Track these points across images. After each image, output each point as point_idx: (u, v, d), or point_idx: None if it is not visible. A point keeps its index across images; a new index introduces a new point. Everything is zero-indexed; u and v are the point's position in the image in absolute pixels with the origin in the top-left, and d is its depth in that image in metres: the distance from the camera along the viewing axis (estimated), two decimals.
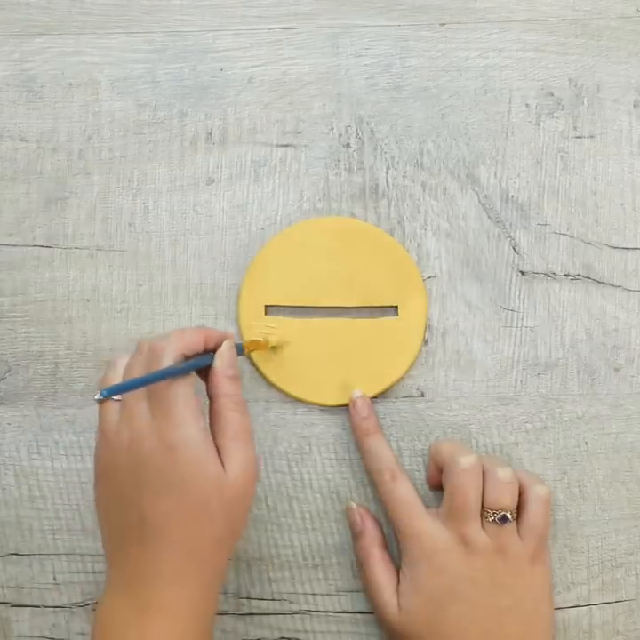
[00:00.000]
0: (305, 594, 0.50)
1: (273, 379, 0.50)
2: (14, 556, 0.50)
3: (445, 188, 0.52)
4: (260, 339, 0.49)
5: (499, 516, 0.45)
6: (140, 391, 0.42)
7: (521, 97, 0.52)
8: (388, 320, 0.50)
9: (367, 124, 0.52)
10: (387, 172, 0.52)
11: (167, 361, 0.42)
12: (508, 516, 0.45)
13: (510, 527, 0.45)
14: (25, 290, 0.52)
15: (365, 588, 0.48)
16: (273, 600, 0.50)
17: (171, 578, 0.41)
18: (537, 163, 0.51)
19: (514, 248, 0.51)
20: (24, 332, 0.51)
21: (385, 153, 0.52)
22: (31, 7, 0.53)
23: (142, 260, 0.52)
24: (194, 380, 0.42)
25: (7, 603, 0.50)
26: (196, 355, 0.44)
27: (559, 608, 0.49)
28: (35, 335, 0.51)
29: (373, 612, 0.48)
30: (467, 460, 0.46)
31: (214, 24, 0.53)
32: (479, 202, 0.51)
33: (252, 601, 0.50)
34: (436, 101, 0.52)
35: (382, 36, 0.52)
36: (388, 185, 0.52)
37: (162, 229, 0.52)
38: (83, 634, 0.50)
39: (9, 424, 0.51)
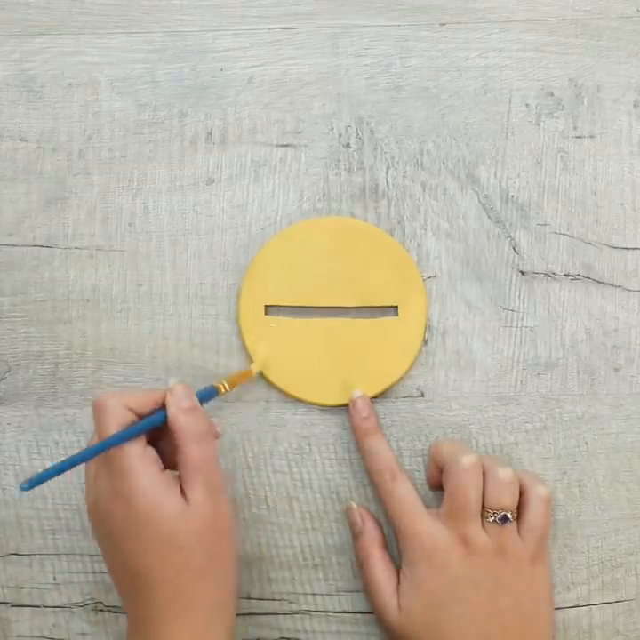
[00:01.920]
0: (305, 594, 0.50)
1: (273, 379, 0.50)
2: (14, 555, 0.50)
3: (445, 187, 0.52)
4: (243, 369, 0.49)
5: (499, 516, 0.45)
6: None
7: (521, 97, 0.52)
8: (387, 320, 0.50)
9: (367, 124, 0.52)
10: (387, 172, 0.52)
11: (107, 433, 0.42)
12: (509, 516, 0.45)
13: (511, 527, 0.45)
14: (25, 290, 0.52)
15: (365, 588, 0.48)
16: (273, 600, 0.50)
17: (170, 616, 0.41)
18: (537, 163, 0.51)
19: (514, 248, 0.51)
20: (24, 332, 0.51)
21: (385, 153, 0.52)
22: (31, 7, 0.53)
23: (142, 260, 0.52)
24: (142, 437, 0.42)
25: (7, 603, 0.50)
26: (149, 412, 0.44)
27: (559, 608, 0.49)
28: (35, 335, 0.51)
29: (373, 612, 0.47)
30: (467, 460, 0.46)
31: (214, 24, 0.53)
32: (479, 202, 0.51)
33: (252, 601, 0.50)
34: (436, 101, 0.52)
35: (382, 36, 0.52)
36: (388, 185, 0.52)
37: (162, 229, 0.52)
38: (83, 634, 0.50)
39: (9, 424, 0.51)
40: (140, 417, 0.43)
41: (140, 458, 0.42)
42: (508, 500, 0.45)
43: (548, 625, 0.46)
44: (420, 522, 0.46)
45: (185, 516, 0.41)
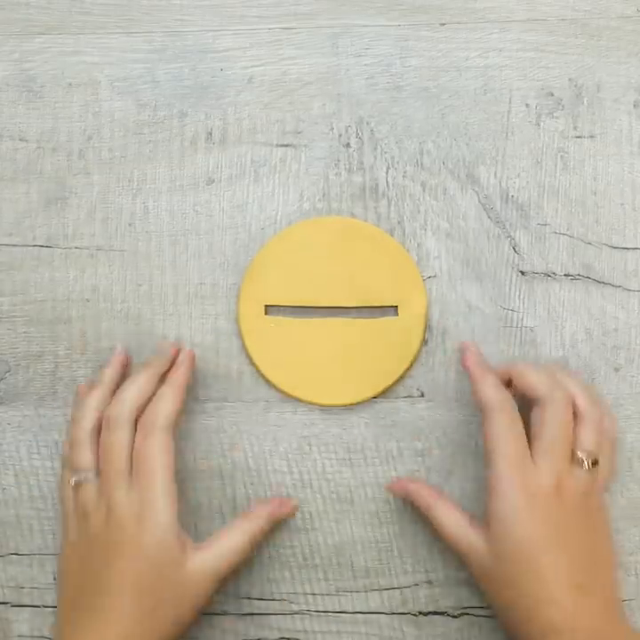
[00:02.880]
0: (305, 594, 0.50)
1: (273, 379, 0.50)
2: (14, 555, 0.50)
3: (445, 188, 0.52)
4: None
5: (591, 460, 0.44)
6: (119, 468, 0.45)
7: (521, 97, 0.52)
8: (387, 320, 0.50)
9: (367, 124, 0.52)
10: (387, 172, 0.52)
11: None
12: (599, 459, 0.44)
13: (596, 471, 0.44)
14: (25, 290, 0.52)
15: (444, 539, 0.46)
16: (273, 600, 0.50)
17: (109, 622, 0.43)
18: (537, 163, 0.51)
19: (514, 248, 0.51)
20: (24, 332, 0.51)
21: (385, 153, 0.52)
22: (31, 7, 0.53)
23: (142, 260, 0.52)
24: (174, 458, 0.45)
25: (7, 603, 0.50)
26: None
27: None
28: (35, 335, 0.51)
29: (461, 558, 0.46)
30: (565, 394, 0.45)
31: (214, 24, 0.53)
32: (479, 202, 0.51)
33: (252, 601, 0.50)
34: (436, 101, 0.52)
35: (382, 36, 0.52)
36: (388, 185, 0.52)
37: (162, 229, 0.52)
38: None
39: (9, 424, 0.51)
40: None
41: (168, 490, 0.45)
42: (598, 442, 0.45)
43: (616, 568, 0.46)
44: (524, 464, 0.44)
45: (179, 572, 0.44)
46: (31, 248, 0.52)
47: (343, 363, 0.50)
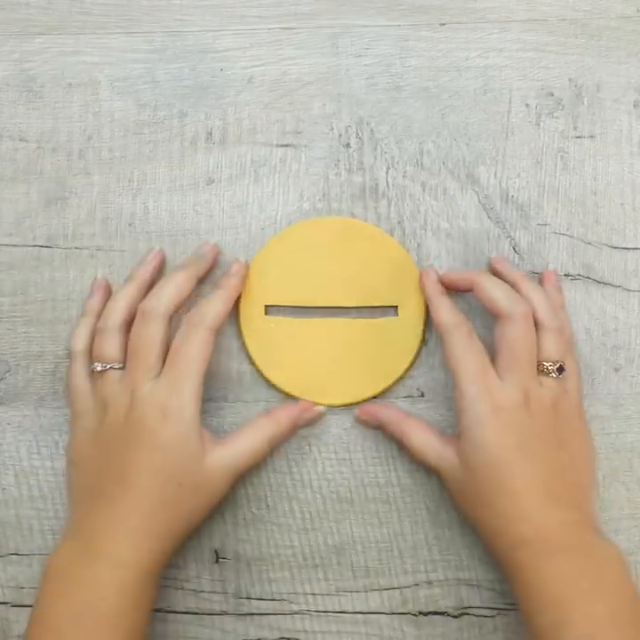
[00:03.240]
0: (305, 594, 0.50)
1: (273, 379, 0.50)
2: (14, 556, 0.50)
3: (445, 188, 0.52)
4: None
5: (556, 367, 0.44)
6: (148, 361, 0.45)
7: (521, 97, 0.52)
8: (388, 320, 0.50)
9: (367, 124, 0.52)
10: (387, 172, 0.52)
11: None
12: (564, 366, 0.44)
13: (563, 380, 0.45)
14: (25, 290, 0.52)
15: (413, 456, 0.47)
16: (273, 600, 0.50)
17: (125, 533, 0.43)
18: (537, 163, 0.51)
19: (514, 248, 0.51)
20: (24, 332, 0.51)
21: (385, 153, 0.52)
22: (31, 7, 0.53)
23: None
24: (209, 359, 0.46)
25: (7, 603, 0.50)
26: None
27: None
28: (35, 335, 0.51)
29: (435, 474, 0.47)
30: (524, 309, 0.45)
31: (214, 24, 0.53)
32: (479, 202, 0.51)
33: (252, 601, 0.50)
34: (436, 101, 0.52)
35: (382, 36, 0.52)
36: (387, 185, 0.52)
37: (162, 229, 0.52)
38: None
39: (9, 424, 0.51)
40: None
41: (197, 389, 0.45)
42: (562, 350, 0.45)
43: (594, 483, 0.46)
44: (487, 377, 0.44)
45: (197, 466, 0.44)
46: (31, 248, 0.52)
47: (343, 363, 0.50)
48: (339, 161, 0.52)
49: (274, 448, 0.48)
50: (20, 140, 0.52)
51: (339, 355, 0.50)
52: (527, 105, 0.52)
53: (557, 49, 0.52)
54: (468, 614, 0.49)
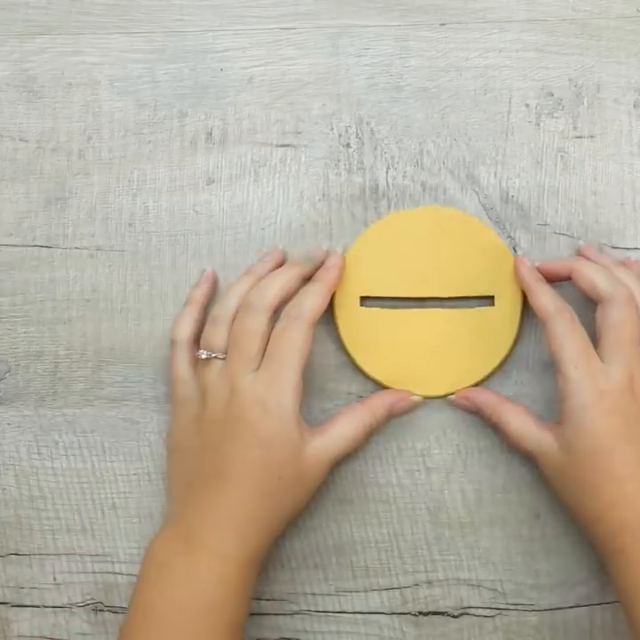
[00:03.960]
0: (305, 594, 0.50)
1: (369, 370, 0.50)
2: (14, 556, 0.50)
3: (445, 188, 0.52)
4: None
5: None
6: (249, 352, 0.45)
7: (521, 97, 0.52)
8: (484, 310, 0.50)
9: (367, 124, 0.52)
10: (387, 172, 0.52)
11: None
12: None
13: None
14: (25, 290, 0.52)
15: (511, 442, 0.47)
16: (273, 600, 0.50)
17: (228, 525, 0.44)
18: (537, 163, 0.51)
19: (514, 248, 0.51)
20: (24, 332, 0.51)
21: (385, 153, 0.52)
22: (31, 7, 0.53)
23: (142, 260, 0.52)
24: (309, 351, 0.46)
25: (7, 603, 0.50)
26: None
27: (559, 608, 0.49)
28: (35, 335, 0.51)
29: (531, 459, 0.47)
30: (627, 291, 0.45)
31: (214, 24, 0.53)
32: (479, 202, 0.51)
33: (252, 601, 0.50)
34: (436, 101, 0.52)
35: (382, 36, 0.52)
36: (387, 185, 0.52)
37: (162, 229, 0.52)
38: (83, 634, 0.50)
39: (9, 424, 0.51)
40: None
41: (297, 381, 0.45)
42: None
43: None
44: (591, 362, 0.44)
45: (299, 456, 0.45)
46: (31, 248, 0.52)
47: (440, 353, 0.49)
48: (339, 161, 0.52)
49: (369, 436, 0.48)
50: (20, 140, 0.52)
51: (435, 345, 0.50)
52: (527, 105, 0.52)
53: (557, 49, 0.52)
54: (467, 614, 0.49)
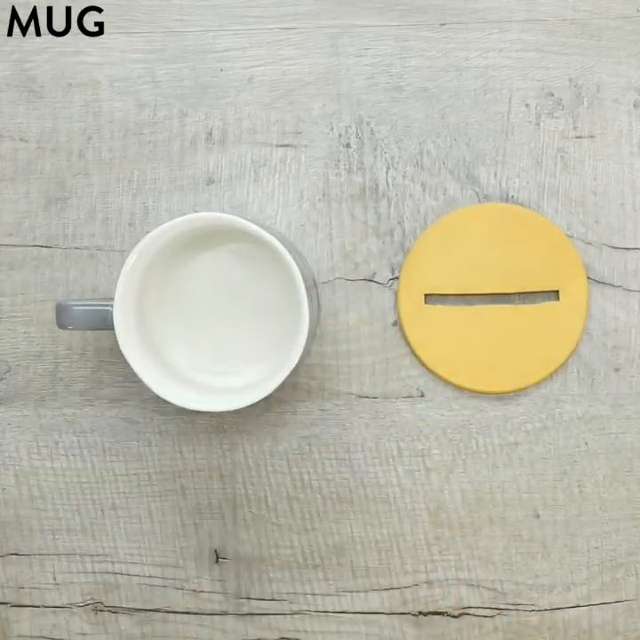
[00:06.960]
0: (305, 594, 0.50)
1: (434, 368, 0.50)
2: (14, 556, 0.50)
3: (445, 188, 0.52)
4: None
5: None
6: None
7: (521, 97, 0.52)
8: (549, 305, 0.50)
9: (367, 124, 0.52)
10: (387, 172, 0.52)
11: None
12: None
13: None
14: (25, 290, 0.52)
15: None
16: (273, 600, 0.50)
17: None
18: (537, 163, 0.51)
19: None
20: (24, 332, 0.51)
21: (385, 153, 0.52)
22: None
23: None
24: None
25: (7, 603, 0.50)
26: None
27: (559, 608, 0.49)
28: (35, 335, 0.51)
29: None
30: None
31: (214, 24, 0.53)
32: (479, 202, 0.51)
33: (252, 601, 0.50)
34: (436, 101, 0.52)
35: (382, 36, 0.52)
36: (388, 185, 0.52)
37: None
38: (83, 634, 0.50)
39: (9, 424, 0.51)
40: None
41: None
42: None
43: None
44: None
45: None
46: (31, 248, 0.52)
47: (505, 349, 0.49)
48: (339, 161, 0.52)
49: None
50: (20, 140, 0.52)
51: (500, 341, 0.50)
52: (527, 105, 0.52)
53: (557, 49, 0.52)
54: (468, 614, 0.50)
